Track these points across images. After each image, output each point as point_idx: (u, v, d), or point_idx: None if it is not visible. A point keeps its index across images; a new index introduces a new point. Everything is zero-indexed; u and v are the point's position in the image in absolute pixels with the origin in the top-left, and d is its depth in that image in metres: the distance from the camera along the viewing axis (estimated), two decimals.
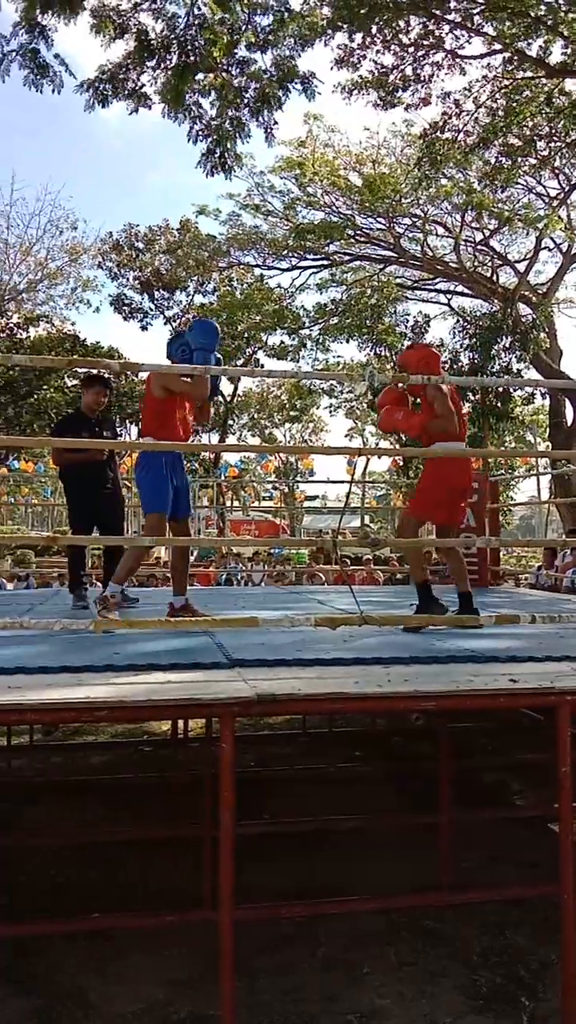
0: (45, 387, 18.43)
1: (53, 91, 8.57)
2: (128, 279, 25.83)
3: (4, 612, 4.91)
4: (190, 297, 26.16)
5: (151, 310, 26.19)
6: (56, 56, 8.55)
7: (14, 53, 8.39)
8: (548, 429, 20.82)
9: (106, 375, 5.87)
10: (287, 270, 22.92)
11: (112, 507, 5.51)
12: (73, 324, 24.38)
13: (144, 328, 26.24)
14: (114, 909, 3.63)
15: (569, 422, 18.27)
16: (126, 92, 9.04)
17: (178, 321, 25.73)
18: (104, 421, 5.69)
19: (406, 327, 21.45)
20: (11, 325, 21.27)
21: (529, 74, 13.22)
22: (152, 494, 4.47)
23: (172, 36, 8.85)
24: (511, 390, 17.17)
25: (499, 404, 16.78)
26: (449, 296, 22.45)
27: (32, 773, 5.92)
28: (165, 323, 25.84)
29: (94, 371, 6.27)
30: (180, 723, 6.06)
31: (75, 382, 19.95)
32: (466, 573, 4.50)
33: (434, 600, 4.33)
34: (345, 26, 11.04)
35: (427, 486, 4.53)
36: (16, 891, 3.94)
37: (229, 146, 9.27)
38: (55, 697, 2.58)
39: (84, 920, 3.54)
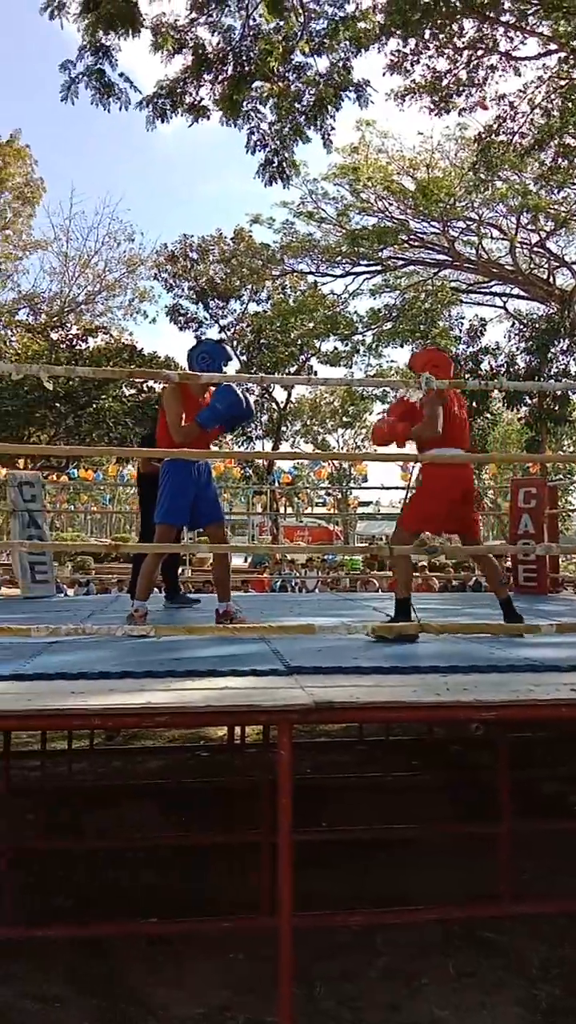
0: (104, 397, 18.76)
1: (120, 108, 8.86)
2: (183, 289, 26.19)
3: (66, 618, 5.02)
4: (244, 306, 26.39)
5: (206, 319, 26.51)
6: (121, 75, 8.87)
7: (81, 75, 8.70)
8: None
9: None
10: (340, 276, 23.00)
11: None
12: (131, 334, 24.82)
13: (199, 338, 26.56)
14: (172, 913, 3.67)
15: None
16: (185, 106, 9.22)
17: (232, 330, 25.97)
18: None
19: (461, 331, 21.29)
20: (71, 337, 21.74)
21: None
22: (168, 502, 4.54)
23: (228, 48, 9.00)
24: (569, 393, 16.88)
25: (556, 408, 16.51)
26: (505, 299, 22.23)
27: (93, 777, 6.02)
28: (220, 332, 26.11)
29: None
30: (236, 729, 6.11)
31: (132, 391, 20.26)
32: (500, 579, 4.35)
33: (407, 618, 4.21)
34: (398, 32, 11.03)
35: (418, 497, 4.35)
36: (77, 894, 4.02)
37: (287, 154, 9.38)
38: (118, 702, 2.63)
39: (143, 924, 3.59)
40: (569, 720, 2.81)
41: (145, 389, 19.65)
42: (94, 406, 18.75)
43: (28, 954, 3.34)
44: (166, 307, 26.32)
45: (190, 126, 9.59)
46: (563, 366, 16.82)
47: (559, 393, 16.01)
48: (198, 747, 6.89)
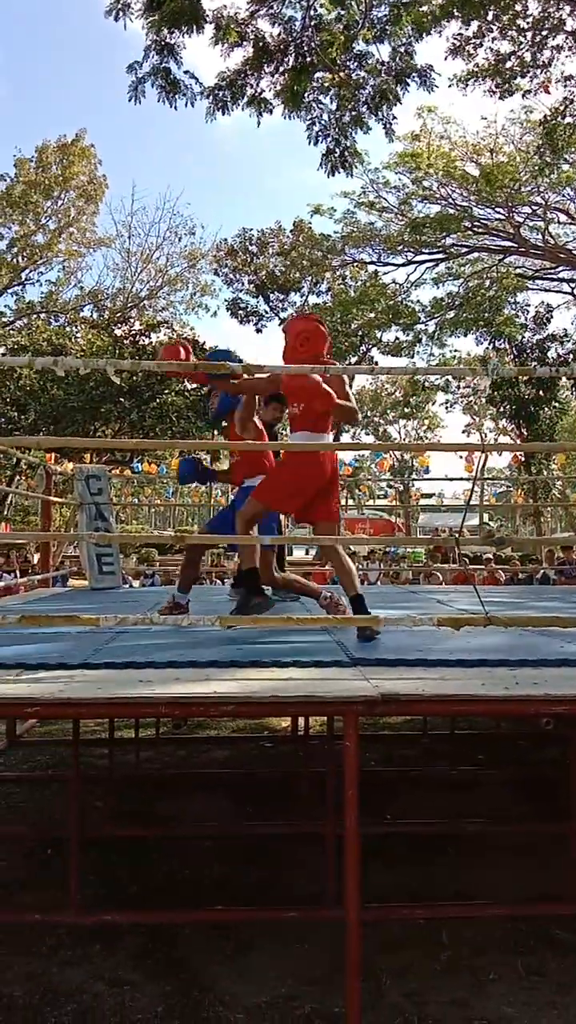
0: (167, 391, 18.96)
1: (186, 105, 8.99)
2: (243, 283, 26.27)
3: (133, 608, 5.10)
4: (304, 298, 26.32)
5: (266, 312, 26.53)
6: (186, 72, 9.04)
7: (148, 75, 8.87)
8: None
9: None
10: (402, 265, 22.73)
11: None
12: (192, 329, 24.97)
13: (259, 331, 26.62)
14: (237, 902, 3.70)
15: None
16: (245, 99, 9.24)
17: None
18: None
19: (527, 318, 20.90)
20: (134, 332, 22.02)
21: None
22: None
23: (289, 39, 8.98)
24: None
25: None
26: (573, 285, 21.68)
27: (160, 766, 6.11)
28: (280, 324, 26.11)
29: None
30: (300, 720, 6.12)
31: (194, 386, 20.44)
32: (352, 574, 3.87)
33: (257, 596, 4.12)
34: (459, 13, 10.80)
35: (278, 476, 4.13)
36: (144, 881, 4.08)
37: (350, 143, 9.35)
38: (185, 691, 2.66)
39: (209, 911, 3.63)
40: None
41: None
42: (157, 401, 18.94)
43: (97, 938, 3.41)
44: (226, 301, 26.48)
45: (259, 126, 9.64)
46: None
47: None
48: (262, 737, 6.93)
